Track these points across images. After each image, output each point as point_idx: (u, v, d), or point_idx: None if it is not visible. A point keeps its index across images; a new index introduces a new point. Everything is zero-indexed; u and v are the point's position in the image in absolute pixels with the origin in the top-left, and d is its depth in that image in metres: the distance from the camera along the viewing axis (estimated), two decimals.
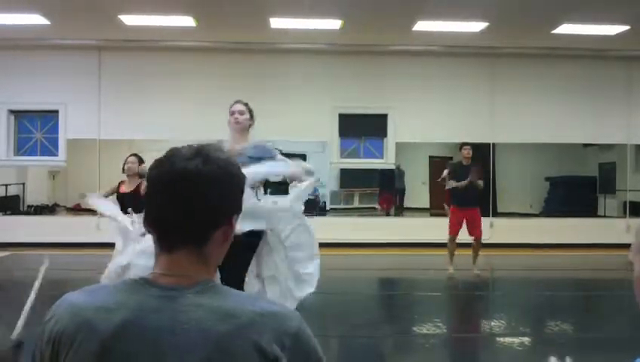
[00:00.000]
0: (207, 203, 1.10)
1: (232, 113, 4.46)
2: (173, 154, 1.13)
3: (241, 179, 1.18)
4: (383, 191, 13.71)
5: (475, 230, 8.34)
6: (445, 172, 8.67)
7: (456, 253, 8.40)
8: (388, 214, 13.51)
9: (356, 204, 15.76)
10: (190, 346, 1.04)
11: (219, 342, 1.03)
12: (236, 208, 1.16)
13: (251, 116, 4.53)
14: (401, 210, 14.16)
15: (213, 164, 1.11)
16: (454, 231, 8.40)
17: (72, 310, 1.09)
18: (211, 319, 1.05)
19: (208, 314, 1.05)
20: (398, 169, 13.21)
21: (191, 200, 1.09)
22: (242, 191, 1.18)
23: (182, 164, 1.10)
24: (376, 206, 14.10)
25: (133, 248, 4.15)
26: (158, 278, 1.10)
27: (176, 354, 1.04)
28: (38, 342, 1.11)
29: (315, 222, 9.55)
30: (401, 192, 14.28)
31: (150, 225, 1.14)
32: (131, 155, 6.67)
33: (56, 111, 11.38)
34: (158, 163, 1.14)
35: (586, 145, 13.08)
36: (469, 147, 8.47)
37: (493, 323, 6.46)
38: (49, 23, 9.84)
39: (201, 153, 1.12)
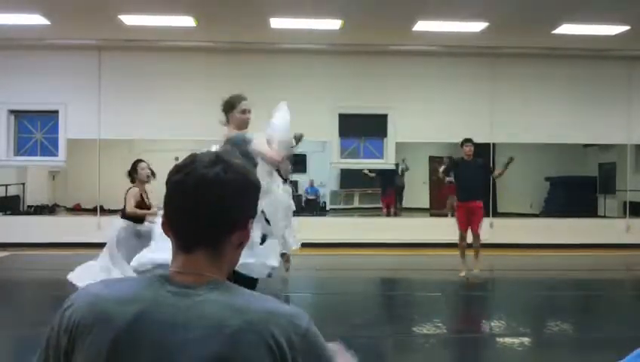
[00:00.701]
0: (227, 208, 1.15)
1: (246, 112, 4.74)
2: (193, 161, 1.17)
3: (258, 186, 1.23)
4: (386, 189, 13.65)
5: (473, 224, 8.23)
6: (442, 169, 8.67)
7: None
8: (389, 214, 13.48)
9: (356, 204, 15.77)
10: (201, 340, 1.06)
11: (230, 336, 1.06)
12: (252, 213, 1.21)
13: None
14: (399, 209, 14.08)
15: (233, 171, 1.16)
16: (463, 227, 8.28)
17: (90, 300, 1.13)
18: (222, 314, 1.08)
19: (220, 310, 1.09)
20: (399, 165, 13.14)
21: (211, 205, 1.14)
22: (258, 198, 1.23)
23: (203, 171, 1.14)
24: (380, 204, 14.07)
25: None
26: (175, 276, 1.15)
27: (187, 348, 1.07)
28: (55, 327, 1.14)
29: (315, 222, 9.61)
30: (400, 189, 14.17)
31: (169, 227, 1.18)
32: (141, 161, 6.42)
33: (56, 112, 11.36)
34: (179, 168, 1.17)
35: (586, 146, 13.09)
36: (470, 144, 8.40)
37: (493, 323, 6.46)
38: (49, 23, 9.83)
39: (222, 160, 1.17)
